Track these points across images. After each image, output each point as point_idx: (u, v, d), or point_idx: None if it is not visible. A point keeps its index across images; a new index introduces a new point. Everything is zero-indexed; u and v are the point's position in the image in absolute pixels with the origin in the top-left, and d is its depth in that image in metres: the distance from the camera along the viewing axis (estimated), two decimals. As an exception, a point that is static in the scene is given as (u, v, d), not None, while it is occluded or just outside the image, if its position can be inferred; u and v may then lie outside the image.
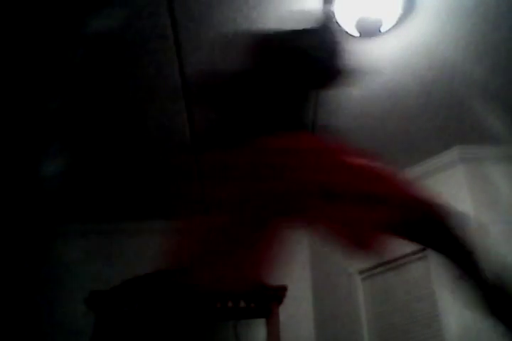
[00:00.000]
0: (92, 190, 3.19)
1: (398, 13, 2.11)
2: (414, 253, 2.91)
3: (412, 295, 2.84)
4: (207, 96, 1.75)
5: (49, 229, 3.50)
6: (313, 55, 1.64)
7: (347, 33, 2.20)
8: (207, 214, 1.59)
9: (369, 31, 2.14)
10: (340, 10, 2.08)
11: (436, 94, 2.56)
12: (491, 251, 2.72)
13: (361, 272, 3.11)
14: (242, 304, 3.30)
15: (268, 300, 3.29)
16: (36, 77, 2.36)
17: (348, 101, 2.60)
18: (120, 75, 2.38)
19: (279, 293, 3.31)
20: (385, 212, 1.28)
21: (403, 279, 2.91)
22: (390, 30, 2.20)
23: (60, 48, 2.23)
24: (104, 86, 2.43)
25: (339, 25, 2.16)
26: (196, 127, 2.73)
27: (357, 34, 2.18)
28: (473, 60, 2.37)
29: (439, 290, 2.69)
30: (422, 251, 2.87)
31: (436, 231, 1.37)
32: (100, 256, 3.44)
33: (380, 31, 2.15)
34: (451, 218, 1.36)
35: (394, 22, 2.14)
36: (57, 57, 2.27)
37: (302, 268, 3.45)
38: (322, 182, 1.34)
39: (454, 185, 2.89)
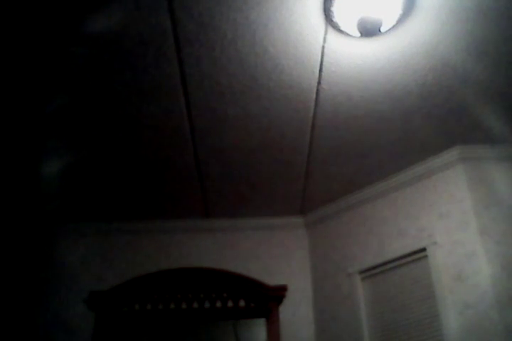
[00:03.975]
0: (91, 189, 3.19)
1: (398, 13, 2.11)
2: (414, 253, 2.91)
3: (412, 295, 2.84)
4: None
5: (49, 229, 3.50)
6: None
7: (347, 33, 2.20)
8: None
9: (369, 31, 2.13)
10: (340, 10, 2.08)
11: (437, 94, 2.56)
12: (492, 251, 2.75)
13: (361, 272, 3.11)
14: (242, 304, 3.31)
15: (268, 300, 3.29)
16: (36, 77, 2.36)
17: (348, 102, 2.60)
18: (119, 75, 2.38)
19: (279, 293, 3.32)
20: None
21: (403, 279, 2.91)
22: (390, 30, 2.20)
23: (59, 48, 2.23)
24: (104, 86, 2.43)
25: (339, 25, 2.16)
26: (196, 127, 2.73)
27: (357, 34, 2.18)
28: (473, 60, 2.37)
29: (439, 290, 2.70)
30: (422, 251, 2.88)
31: None
32: (100, 256, 3.44)
33: (380, 31, 2.15)
34: None
35: (394, 22, 2.14)
36: (56, 57, 2.27)
37: (302, 268, 3.46)
38: None
39: (454, 185, 2.89)
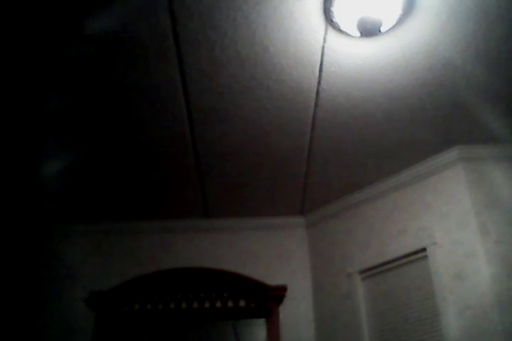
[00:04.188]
0: (92, 189, 3.19)
1: (398, 13, 2.11)
2: (414, 253, 2.91)
3: (412, 295, 2.84)
4: None
5: (49, 228, 3.50)
6: None
7: (347, 33, 2.20)
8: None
9: (369, 31, 2.13)
10: (340, 10, 2.08)
11: (437, 94, 2.56)
12: (492, 251, 2.74)
13: (361, 272, 3.11)
14: (242, 304, 3.30)
15: (268, 300, 3.29)
16: (36, 77, 2.37)
17: (348, 102, 2.60)
18: (119, 75, 2.38)
19: (279, 293, 3.31)
20: None
21: (403, 279, 2.91)
22: (390, 30, 2.20)
23: (59, 48, 2.23)
24: (104, 86, 2.43)
25: (339, 25, 2.16)
26: (196, 127, 2.73)
27: (357, 34, 2.18)
28: (473, 60, 2.37)
29: (439, 290, 2.70)
30: (422, 251, 2.88)
31: None
32: (100, 256, 3.44)
33: (380, 31, 2.15)
34: None
35: (394, 22, 2.14)
36: (56, 57, 2.27)
37: (302, 268, 3.46)
38: None
39: (453, 185, 2.89)
